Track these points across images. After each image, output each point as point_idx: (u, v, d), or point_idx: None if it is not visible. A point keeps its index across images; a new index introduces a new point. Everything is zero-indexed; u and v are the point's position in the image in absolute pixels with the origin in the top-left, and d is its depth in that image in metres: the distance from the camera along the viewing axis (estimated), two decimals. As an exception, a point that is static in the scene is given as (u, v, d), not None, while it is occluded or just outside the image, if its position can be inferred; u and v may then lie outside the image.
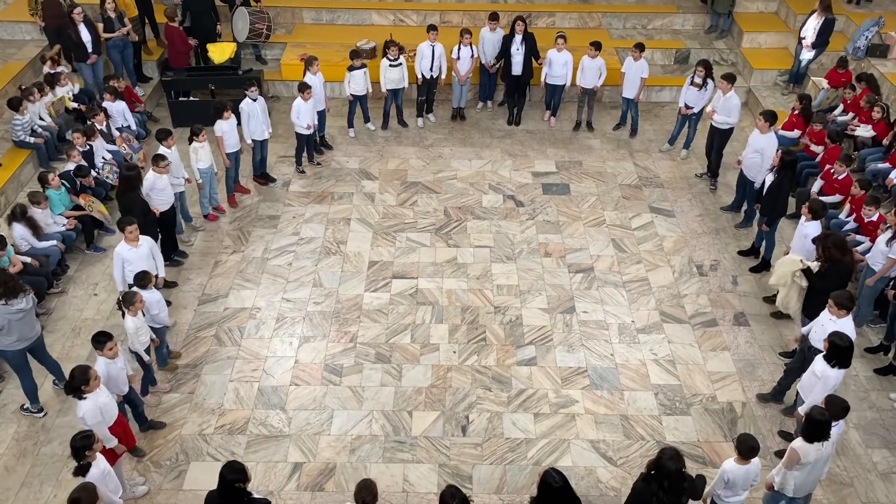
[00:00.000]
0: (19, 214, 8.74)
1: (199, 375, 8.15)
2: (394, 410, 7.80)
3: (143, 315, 7.54)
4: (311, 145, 11.47)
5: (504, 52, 12.11)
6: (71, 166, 9.79)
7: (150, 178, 8.92)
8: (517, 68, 12.10)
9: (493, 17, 12.28)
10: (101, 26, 12.06)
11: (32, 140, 10.59)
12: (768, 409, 7.91)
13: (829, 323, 7.07)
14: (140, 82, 13.06)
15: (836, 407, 6.13)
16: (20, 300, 7.09)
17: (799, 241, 8.40)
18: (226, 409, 7.79)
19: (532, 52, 12.07)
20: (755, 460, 5.92)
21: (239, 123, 10.43)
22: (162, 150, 9.32)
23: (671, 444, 7.43)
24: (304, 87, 10.68)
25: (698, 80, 11.16)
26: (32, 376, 7.56)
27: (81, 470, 5.69)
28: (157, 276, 8.28)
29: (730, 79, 10.50)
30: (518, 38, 11.92)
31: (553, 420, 7.74)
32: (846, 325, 7.01)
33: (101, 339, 6.55)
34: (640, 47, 11.77)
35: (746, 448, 5.84)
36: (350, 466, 7.24)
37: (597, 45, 11.88)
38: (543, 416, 7.78)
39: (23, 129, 10.49)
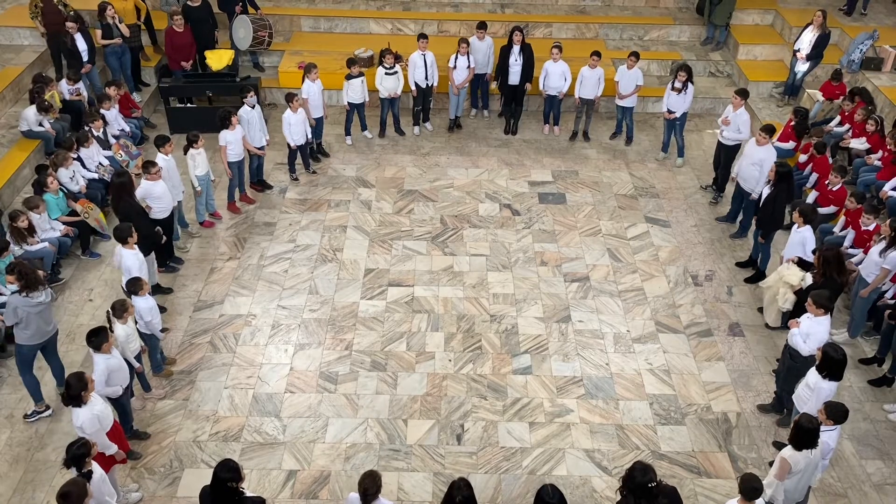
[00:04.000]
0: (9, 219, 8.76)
1: (193, 382, 8.13)
2: (389, 418, 7.79)
3: (136, 322, 7.55)
4: (306, 153, 11.48)
5: (502, 63, 12.16)
6: (66, 173, 9.76)
7: (145, 185, 8.91)
8: (514, 78, 12.16)
9: (481, 25, 12.36)
10: (99, 33, 12.09)
11: (43, 129, 10.81)
12: (763, 419, 7.92)
13: (806, 321, 7.14)
14: (137, 89, 13.05)
15: (836, 412, 6.15)
16: (40, 293, 7.19)
17: (793, 249, 8.44)
18: (220, 415, 7.77)
19: (529, 64, 12.10)
20: (758, 501, 5.74)
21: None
22: (159, 156, 9.33)
23: (663, 456, 7.47)
24: (290, 98, 10.71)
25: (678, 85, 11.24)
26: (33, 373, 7.56)
27: (84, 479, 5.65)
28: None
29: (742, 94, 10.52)
30: (516, 48, 11.98)
31: (548, 429, 7.74)
32: (824, 322, 7.07)
33: (97, 341, 6.57)
34: (634, 55, 11.86)
35: (749, 489, 5.65)
36: (345, 474, 7.22)
37: (597, 55, 11.94)
38: (539, 425, 7.77)
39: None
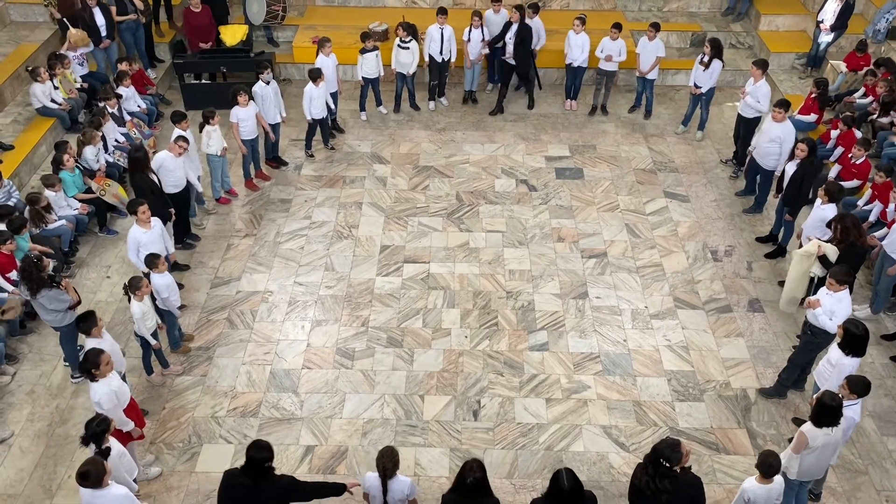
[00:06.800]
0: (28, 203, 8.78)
1: (211, 358, 8.18)
2: (405, 394, 7.80)
3: (155, 299, 7.58)
4: (326, 129, 11.42)
5: (502, 38, 11.85)
6: (92, 150, 9.78)
7: (161, 156, 8.91)
8: (509, 54, 11.82)
9: None
10: (113, 9, 12.02)
11: (56, 106, 10.83)
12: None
13: (826, 298, 7.03)
14: (151, 65, 13.00)
15: (859, 385, 6.08)
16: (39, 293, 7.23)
17: (815, 224, 8.30)
18: (238, 391, 7.82)
19: (525, 44, 11.69)
20: (777, 478, 5.67)
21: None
22: (177, 131, 9.30)
23: (681, 433, 7.43)
24: (316, 74, 10.60)
25: (705, 60, 11.02)
26: (74, 346, 7.68)
27: (102, 455, 5.71)
28: (167, 256, 8.30)
29: (761, 65, 10.29)
30: (514, 27, 11.63)
31: (565, 405, 7.72)
32: (845, 298, 6.97)
33: (86, 326, 6.59)
34: (655, 27, 11.64)
35: (767, 467, 5.59)
36: (362, 450, 7.25)
37: (618, 27, 11.73)
38: (555, 402, 7.75)
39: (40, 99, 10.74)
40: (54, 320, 7.38)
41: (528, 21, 12.06)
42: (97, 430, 5.64)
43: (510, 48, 11.77)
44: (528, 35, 11.79)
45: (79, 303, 7.48)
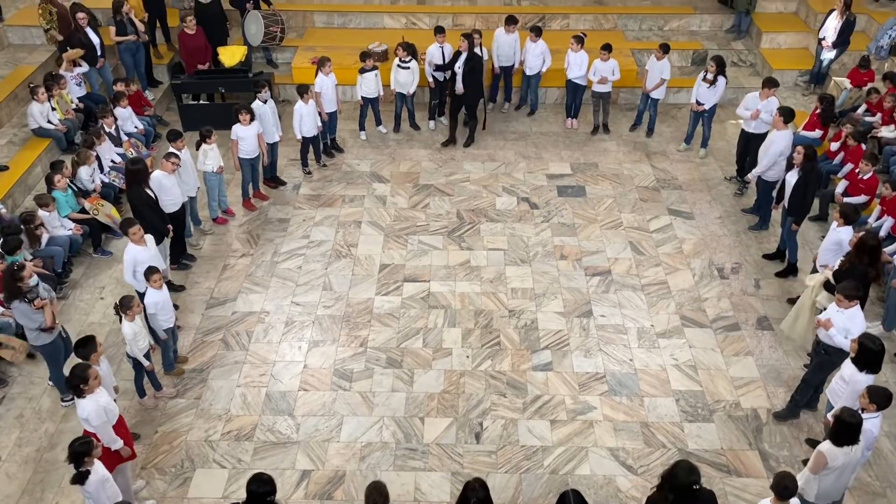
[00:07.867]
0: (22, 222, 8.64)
1: (205, 380, 7.95)
2: (405, 417, 7.56)
3: (149, 319, 7.39)
4: (318, 147, 11.29)
5: (451, 67, 11.48)
6: (87, 171, 9.65)
7: (157, 176, 8.77)
8: (459, 86, 11.44)
9: (511, 20, 12.00)
10: (112, 30, 11.97)
11: (53, 127, 10.74)
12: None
13: (837, 316, 6.81)
14: (150, 86, 12.94)
15: (879, 396, 5.85)
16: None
17: (830, 248, 8.05)
18: (233, 414, 7.58)
19: (476, 74, 11.26)
20: (793, 501, 5.44)
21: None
22: (171, 150, 9.17)
23: (691, 455, 7.18)
24: (303, 91, 10.52)
25: (710, 77, 10.90)
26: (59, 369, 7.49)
27: (80, 477, 5.50)
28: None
29: (771, 84, 10.16)
30: (463, 55, 11.26)
31: (570, 427, 7.47)
32: (857, 314, 6.75)
33: (85, 352, 6.35)
34: (663, 48, 11.53)
35: (783, 489, 5.36)
36: (360, 474, 7.00)
37: (607, 48, 11.65)
38: (560, 423, 7.51)
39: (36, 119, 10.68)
40: (29, 337, 7.23)
41: (531, 43, 12.01)
42: (78, 450, 5.42)
43: (459, 78, 11.34)
44: (479, 64, 11.37)
45: (52, 328, 7.25)
